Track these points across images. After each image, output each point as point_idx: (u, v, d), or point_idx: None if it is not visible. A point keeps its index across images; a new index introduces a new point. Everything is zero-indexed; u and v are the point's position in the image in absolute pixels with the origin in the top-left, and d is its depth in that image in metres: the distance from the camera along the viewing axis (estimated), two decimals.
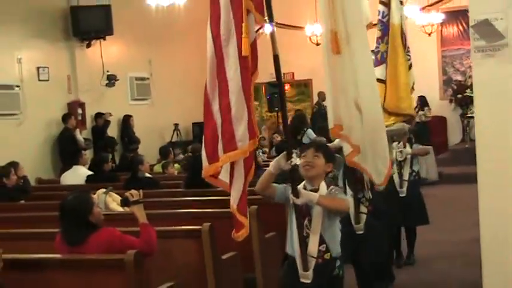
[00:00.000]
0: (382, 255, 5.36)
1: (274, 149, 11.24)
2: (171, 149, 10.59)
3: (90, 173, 8.75)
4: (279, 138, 11.07)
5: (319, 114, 13.30)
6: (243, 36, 3.70)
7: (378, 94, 5.00)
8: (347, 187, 5.14)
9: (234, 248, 4.87)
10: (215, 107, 3.93)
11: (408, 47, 6.49)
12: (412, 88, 6.55)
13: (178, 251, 4.81)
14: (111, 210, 5.90)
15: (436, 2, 13.52)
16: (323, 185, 3.87)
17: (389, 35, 6.19)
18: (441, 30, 15.00)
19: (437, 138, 14.42)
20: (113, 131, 12.09)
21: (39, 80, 10.85)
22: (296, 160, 3.70)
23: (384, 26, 6.24)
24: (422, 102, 14.45)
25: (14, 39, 10.43)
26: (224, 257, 4.80)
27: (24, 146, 10.25)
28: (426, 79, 13.63)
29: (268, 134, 13.71)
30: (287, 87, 15.38)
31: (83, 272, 4.09)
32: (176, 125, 13.71)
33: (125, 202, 4.47)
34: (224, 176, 4.00)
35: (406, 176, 6.69)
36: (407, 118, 6.36)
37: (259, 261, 5.21)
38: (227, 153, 3.85)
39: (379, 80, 5.84)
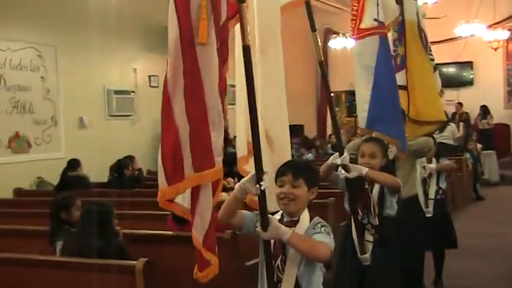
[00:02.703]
0: None
1: (329, 146, 12.15)
2: None
3: None
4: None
5: None
6: (201, 17, 2.86)
7: (286, 115, 3.92)
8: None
9: None
10: (177, 108, 2.92)
11: (430, 47, 5.78)
12: (441, 91, 5.93)
13: None
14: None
15: (502, 21, 14.47)
16: (305, 217, 2.96)
17: (405, 35, 5.48)
18: (507, 46, 15.92)
19: (501, 144, 15.26)
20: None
21: (150, 87, 12.17)
22: (266, 184, 2.79)
23: (400, 26, 5.50)
24: (485, 111, 15.28)
25: (131, 52, 11.83)
26: None
27: (137, 142, 11.29)
28: (492, 90, 15.16)
29: (346, 137, 14.43)
30: None
31: (189, 247, 3.85)
32: None
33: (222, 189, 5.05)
34: (181, 200, 3.13)
35: (432, 195, 6.04)
36: (439, 125, 5.69)
37: None
38: (200, 172, 2.93)
39: (400, 87, 5.18)
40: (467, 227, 8.25)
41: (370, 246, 4.10)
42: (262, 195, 2.80)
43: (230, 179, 4.92)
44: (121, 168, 9.09)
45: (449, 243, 6.07)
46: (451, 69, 16.33)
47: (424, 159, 5.89)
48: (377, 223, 4.10)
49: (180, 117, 2.92)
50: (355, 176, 3.95)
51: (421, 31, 5.57)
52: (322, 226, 2.89)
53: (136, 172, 9.50)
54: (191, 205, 3.04)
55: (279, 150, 3.79)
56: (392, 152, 4.53)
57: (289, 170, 2.95)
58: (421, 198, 5.80)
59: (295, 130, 12.64)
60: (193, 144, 2.92)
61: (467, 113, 15.76)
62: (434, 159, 6.16)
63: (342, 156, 3.92)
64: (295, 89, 9.75)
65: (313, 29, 3.96)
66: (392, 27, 5.29)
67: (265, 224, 2.76)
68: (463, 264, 6.73)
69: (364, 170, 3.95)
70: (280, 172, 2.97)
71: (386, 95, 4.69)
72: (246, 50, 2.87)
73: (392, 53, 5.24)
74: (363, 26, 4.83)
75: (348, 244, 4.17)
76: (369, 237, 4.12)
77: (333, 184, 4.19)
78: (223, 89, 3.03)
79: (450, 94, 14.45)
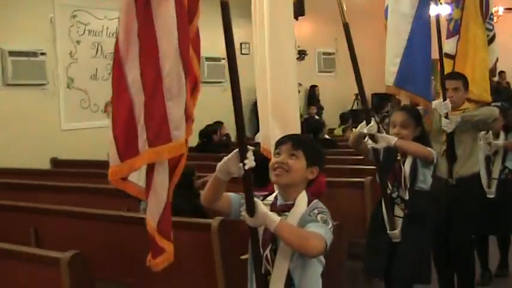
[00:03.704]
0: (420, 272, 3.91)
1: None
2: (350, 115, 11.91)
3: None
4: None
5: None
6: None
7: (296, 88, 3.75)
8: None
9: None
10: (131, 74, 2.56)
11: (492, 15, 5.32)
12: (495, 65, 5.37)
13: (343, 198, 5.30)
14: None
15: None
16: (302, 200, 2.60)
17: None
18: None
19: None
20: (301, 99, 13.17)
21: (241, 54, 11.83)
22: (250, 162, 2.41)
23: None
24: None
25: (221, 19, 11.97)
26: None
27: (227, 109, 11.37)
28: None
29: None
30: None
31: None
32: (356, 95, 14.90)
33: None
34: (136, 178, 2.74)
35: (495, 174, 5.47)
36: (482, 105, 4.82)
37: None
38: (155, 148, 2.55)
39: (446, 56, 4.85)
40: None
41: (400, 222, 3.86)
42: (246, 175, 2.43)
43: None
44: (209, 133, 9.41)
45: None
46: None
47: (490, 134, 5.29)
48: (407, 197, 3.85)
49: (134, 85, 2.55)
50: (384, 147, 3.77)
51: None
52: (319, 213, 2.51)
53: (224, 137, 9.73)
54: (146, 185, 2.67)
55: (288, 125, 3.55)
56: (453, 121, 4.34)
57: (289, 138, 2.67)
58: (483, 177, 5.27)
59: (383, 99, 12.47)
60: (148, 115, 2.53)
61: None
62: (502, 134, 5.50)
63: (369, 125, 3.73)
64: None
65: None
66: None
67: (251, 209, 2.42)
68: None
69: (393, 140, 3.73)
70: (280, 141, 2.69)
71: (421, 50, 4.27)
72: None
73: (447, 17, 4.91)
74: None
75: (378, 219, 3.95)
76: (398, 212, 3.89)
77: (364, 155, 4.04)
78: (187, 54, 2.60)
79: None
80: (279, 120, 3.57)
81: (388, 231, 3.88)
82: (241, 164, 2.43)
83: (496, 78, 15.90)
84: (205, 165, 6.19)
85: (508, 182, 5.56)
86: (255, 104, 12.32)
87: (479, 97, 4.86)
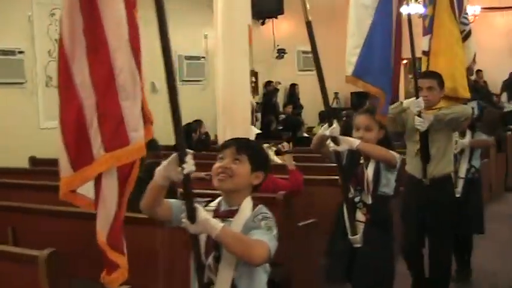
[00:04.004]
0: (382, 278, 3.81)
1: None
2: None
3: (259, 131, 10.37)
4: None
5: None
6: None
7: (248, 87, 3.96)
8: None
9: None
10: (79, 75, 2.33)
11: (465, 10, 5.14)
12: (473, 61, 5.18)
13: (321, 196, 5.27)
14: (272, 161, 6.12)
15: None
16: (246, 205, 2.50)
17: None
18: None
19: None
20: (280, 97, 13.34)
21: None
22: (190, 167, 2.28)
23: None
24: None
25: (202, 18, 11.27)
26: None
27: (206, 107, 11.07)
28: None
29: None
30: None
31: None
32: (336, 93, 15.03)
33: (277, 152, 5.19)
34: (85, 190, 2.52)
35: (462, 173, 5.42)
36: (461, 102, 4.76)
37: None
38: (112, 152, 2.34)
39: (424, 53, 4.85)
40: None
41: (361, 227, 3.74)
42: (185, 180, 2.31)
43: (285, 143, 5.06)
44: (189, 131, 9.33)
45: (476, 227, 5.51)
46: None
47: (456, 133, 5.13)
48: (370, 202, 3.72)
49: (83, 86, 2.32)
50: (345, 149, 3.67)
51: None
52: (263, 219, 2.42)
53: (204, 136, 9.74)
54: (95, 193, 2.44)
55: (241, 125, 3.61)
56: (426, 120, 4.27)
57: (233, 142, 2.57)
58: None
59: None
60: (101, 118, 2.30)
61: None
62: (468, 133, 5.53)
63: (331, 127, 3.58)
64: None
65: None
66: None
67: (191, 215, 2.30)
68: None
69: (355, 143, 3.62)
70: (224, 145, 2.61)
71: (381, 43, 4.24)
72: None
73: (421, 14, 4.79)
74: None
75: (340, 224, 3.84)
76: (360, 216, 3.76)
77: (327, 158, 3.95)
78: (138, 47, 2.37)
79: None
80: (228, 119, 3.60)
81: (349, 236, 3.78)
82: (179, 168, 2.30)
83: (473, 77, 15.99)
84: None
85: (474, 181, 5.54)
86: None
87: (458, 93, 4.77)
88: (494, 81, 15.23)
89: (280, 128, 11.74)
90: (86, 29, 2.31)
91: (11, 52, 9.02)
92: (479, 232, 5.58)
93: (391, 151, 3.70)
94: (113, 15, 2.29)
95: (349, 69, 4.27)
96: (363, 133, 3.76)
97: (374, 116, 3.83)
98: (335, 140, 3.60)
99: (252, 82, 14.23)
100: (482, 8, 15.34)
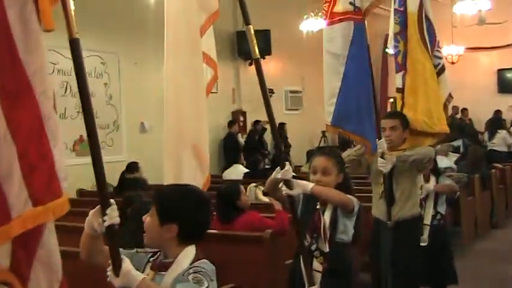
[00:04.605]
0: None
1: None
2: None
3: (247, 170, 10.45)
4: None
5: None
6: None
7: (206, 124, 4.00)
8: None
9: None
10: None
11: (438, 44, 4.92)
12: (450, 96, 4.94)
13: None
14: (260, 200, 6.50)
15: None
16: (183, 258, 2.34)
17: (407, 29, 4.57)
18: None
19: None
20: (268, 137, 13.53)
21: (210, 92, 12.32)
22: (112, 219, 2.20)
23: (402, 18, 4.61)
24: None
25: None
26: None
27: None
28: None
29: None
30: None
31: (231, 244, 4.43)
32: (323, 132, 15.09)
33: (265, 193, 5.18)
34: None
35: (428, 220, 5.19)
36: (441, 138, 4.75)
37: None
38: (46, 205, 1.94)
39: (398, 90, 4.65)
40: None
41: (319, 277, 3.46)
42: (108, 232, 2.22)
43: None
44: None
45: (448, 277, 5.22)
46: None
47: (421, 177, 4.95)
48: (327, 250, 3.44)
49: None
50: (299, 193, 3.43)
51: (421, 24, 4.62)
52: (193, 272, 2.26)
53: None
54: (25, 256, 1.94)
55: (204, 161, 3.69)
56: (388, 161, 4.16)
57: (155, 197, 2.46)
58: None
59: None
60: (29, 168, 1.91)
61: None
62: (432, 178, 5.35)
63: (283, 170, 3.36)
64: None
65: (247, 23, 3.52)
66: (368, 15, 4.51)
67: (116, 268, 2.20)
68: None
69: (309, 186, 3.38)
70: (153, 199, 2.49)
71: (358, 89, 4.19)
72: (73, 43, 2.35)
73: (393, 50, 4.63)
74: (336, 9, 4.38)
75: (296, 274, 3.56)
76: (317, 266, 3.47)
77: (281, 203, 3.80)
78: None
79: None
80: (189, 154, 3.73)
81: None
82: (101, 220, 2.21)
83: (458, 115, 16.18)
84: None
85: (441, 228, 5.28)
86: (224, 139, 12.19)
87: (436, 128, 4.60)
88: (479, 119, 15.46)
89: (268, 167, 11.77)
90: (1, 67, 1.88)
91: None
92: (453, 282, 5.29)
93: (348, 195, 3.45)
94: (35, 54, 1.97)
95: (328, 119, 4.29)
96: (319, 177, 3.49)
97: (332, 158, 3.56)
98: (288, 184, 3.37)
99: (240, 121, 14.29)
100: (466, 48, 15.63)
